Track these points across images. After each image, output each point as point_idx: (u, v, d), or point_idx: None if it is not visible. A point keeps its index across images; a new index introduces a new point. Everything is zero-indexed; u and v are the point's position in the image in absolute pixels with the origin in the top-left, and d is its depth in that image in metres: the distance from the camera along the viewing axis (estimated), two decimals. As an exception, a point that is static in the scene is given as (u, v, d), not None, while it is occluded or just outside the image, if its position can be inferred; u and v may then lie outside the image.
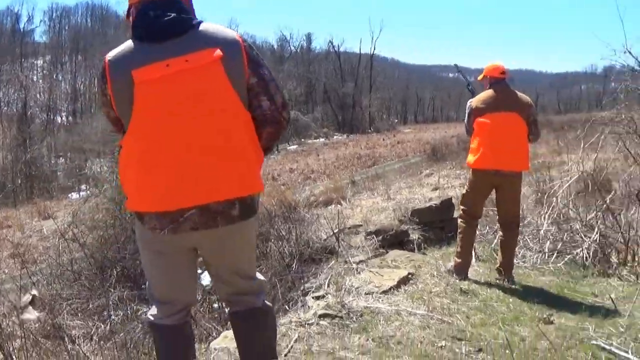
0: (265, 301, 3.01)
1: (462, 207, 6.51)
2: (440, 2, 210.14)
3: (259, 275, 3.03)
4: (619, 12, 6.09)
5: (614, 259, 6.96)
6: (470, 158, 6.24)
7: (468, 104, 6.33)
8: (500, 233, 6.47)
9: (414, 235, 8.00)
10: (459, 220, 6.50)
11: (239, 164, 2.62)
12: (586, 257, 7.05)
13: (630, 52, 6.74)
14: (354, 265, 6.44)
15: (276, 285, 6.48)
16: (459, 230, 6.46)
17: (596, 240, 7.15)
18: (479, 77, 6.49)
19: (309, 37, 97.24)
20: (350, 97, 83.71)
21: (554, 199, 8.14)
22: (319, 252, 7.42)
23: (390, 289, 5.52)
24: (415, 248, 7.67)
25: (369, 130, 74.65)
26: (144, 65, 2.54)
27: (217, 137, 2.58)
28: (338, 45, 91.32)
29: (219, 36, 2.64)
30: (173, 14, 2.60)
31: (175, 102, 2.55)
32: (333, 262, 6.84)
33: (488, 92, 6.20)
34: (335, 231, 7.89)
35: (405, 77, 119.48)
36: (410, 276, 6.02)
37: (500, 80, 6.19)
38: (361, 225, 8.67)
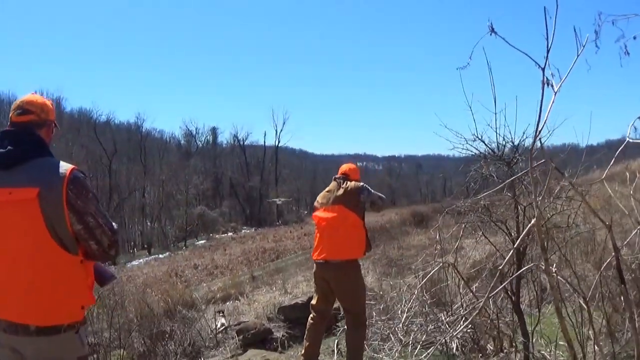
0: None
1: (311, 302, 6.71)
2: (340, 93, 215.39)
3: None
4: (468, 103, 6.47)
5: (490, 347, 7.07)
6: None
7: None
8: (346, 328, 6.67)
9: (279, 333, 8.08)
10: (309, 316, 6.61)
11: (35, 296, 2.86)
12: (457, 347, 7.21)
13: (481, 139, 7.05)
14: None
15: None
16: (306, 327, 6.57)
17: (462, 328, 7.29)
18: None
19: (214, 131, 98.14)
20: (257, 190, 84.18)
21: (416, 290, 8.25)
22: (200, 351, 7.58)
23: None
24: (279, 346, 7.78)
25: (277, 223, 74.91)
26: None
27: (19, 269, 2.86)
28: (243, 139, 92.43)
29: (44, 176, 2.90)
30: (10, 147, 2.92)
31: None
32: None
33: (327, 188, 6.67)
34: (215, 331, 8.04)
35: (312, 167, 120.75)
36: (259, 377, 6.13)
37: (339, 177, 6.61)
38: (248, 322, 8.74)
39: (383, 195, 6.76)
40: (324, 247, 6.35)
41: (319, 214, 6.50)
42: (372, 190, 6.58)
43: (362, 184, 6.58)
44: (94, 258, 3.08)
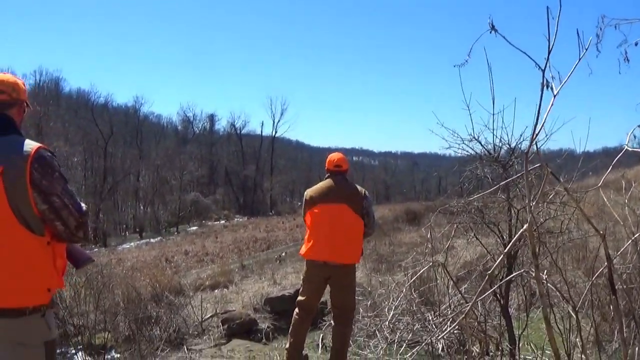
0: None
1: (298, 298, 6.38)
2: (339, 87, 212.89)
3: None
4: (466, 102, 6.30)
5: (475, 349, 6.95)
6: (303, 248, 6.26)
7: (305, 193, 6.35)
8: (333, 324, 6.44)
9: (264, 324, 8.00)
10: (295, 311, 6.31)
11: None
12: (442, 348, 7.10)
13: (477, 140, 6.90)
14: (187, 355, 6.47)
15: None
16: (292, 322, 6.28)
17: (449, 330, 7.19)
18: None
19: (212, 119, 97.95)
20: (251, 179, 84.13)
21: (405, 288, 8.14)
22: (185, 338, 7.64)
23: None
24: (264, 337, 7.70)
25: (270, 213, 74.90)
26: None
27: None
28: (240, 128, 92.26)
29: (9, 154, 2.83)
30: None
31: None
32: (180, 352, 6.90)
33: (323, 183, 6.26)
34: (201, 319, 8.00)
35: (308, 159, 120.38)
36: (240, 367, 6.07)
37: (334, 173, 6.25)
38: (234, 311, 8.68)
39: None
40: (324, 247, 6.02)
41: (319, 209, 6.09)
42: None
43: (367, 192, 6.35)
44: (61, 239, 2.98)
